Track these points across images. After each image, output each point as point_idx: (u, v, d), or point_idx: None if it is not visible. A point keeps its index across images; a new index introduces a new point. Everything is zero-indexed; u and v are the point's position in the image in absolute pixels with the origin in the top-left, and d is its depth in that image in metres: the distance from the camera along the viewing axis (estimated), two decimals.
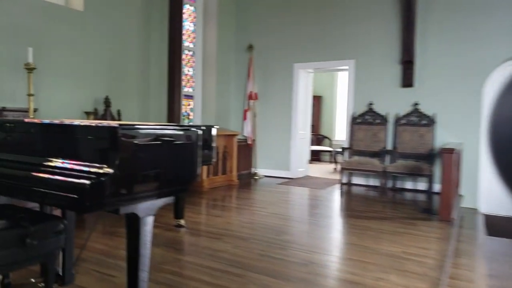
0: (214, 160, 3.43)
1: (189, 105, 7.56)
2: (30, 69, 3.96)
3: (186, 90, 7.48)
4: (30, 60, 3.97)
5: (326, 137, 11.16)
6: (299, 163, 7.78)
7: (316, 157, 10.84)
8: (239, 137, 7.33)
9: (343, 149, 6.66)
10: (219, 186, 6.37)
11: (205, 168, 5.97)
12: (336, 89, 11.45)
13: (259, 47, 7.91)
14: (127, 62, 5.76)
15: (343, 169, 6.49)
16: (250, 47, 7.86)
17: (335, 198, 5.95)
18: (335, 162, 9.31)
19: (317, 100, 11.02)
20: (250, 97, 7.74)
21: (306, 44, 7.49)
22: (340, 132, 11.40)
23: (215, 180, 6.34)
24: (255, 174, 7.73)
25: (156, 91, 6.27)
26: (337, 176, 7.86)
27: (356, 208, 5.16)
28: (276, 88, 7.78)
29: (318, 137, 11.22)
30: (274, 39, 7.80)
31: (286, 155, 7.70)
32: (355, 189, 6.65)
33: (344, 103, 11.06)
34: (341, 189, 6.52)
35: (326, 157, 11.10)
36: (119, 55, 5.65)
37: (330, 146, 10.96)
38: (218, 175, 6.43)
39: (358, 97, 7.04)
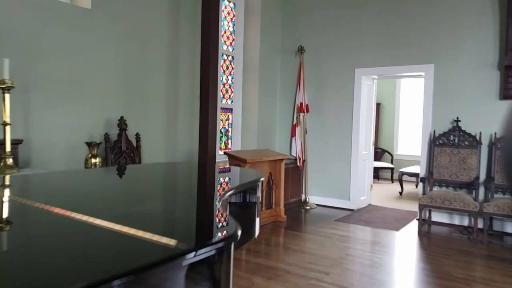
0: (256, 235, 2.16)
1: (227, 119, 6.36)
2: (5, 88, 2.88)
3: (224, 102, 6.29)
4: (6, 75, 2.89)
5: (386, 151, 9.60)
6: (361, 190, 6.36)
7: (375, 174, 9.30)
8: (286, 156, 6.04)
9: (422, 179, 5.17)
10: (263, 225, 5.10)
11: None
12: (397, 95, 9.85)
13: (311, 49, 6.57)
14: (148, 72, 4.63)
15: (423, 206, 5.01)
16: (301, 50, 6.54)
17: (416, 250, 4.50)
18: (401, 185, 7.77)
19: (376, 108, 9.48)
20: (300, 110, 6.42)
21: (370, 45, 6.07)
22: (402, 146, 9.80)
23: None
24: (305, 202, 6.41)
25: (186, 108, 5.12)
26: (405, 204, 6.37)
27: (452, 272, 3.70)
28: (332, 99, 6.41)
29: (376, 151, 9.67)
30: (329, 39, 6.43)
31: (345, 180, 6.30)
32: (436, 230, 5.15)
33: (405, 112, 9.53)
34: (419, 230, 5.04)
35: (386, 173, 9.54)
36: (138, 63, 4.53)
37: (391, 163, 9.40)
38: (261, 211, 5.17)
39: (439, 110, 5.53)
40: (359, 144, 6.21)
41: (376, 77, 6.51)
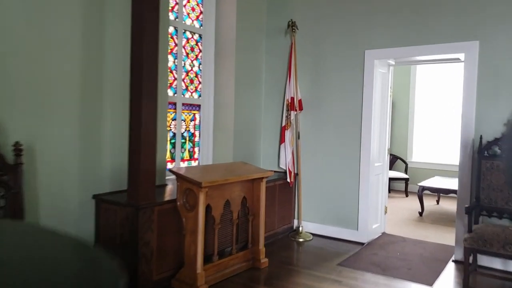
0: None
1: (193, 119, 4.72)
2: None
3: (188, 96, 4.64)
4: None
5: (399, 158, 7.94)
6: (373, 215, 4.70)
7: None
8: (273, 169, 4.42)
9: (467, 209, 3.50)
10: (230, 277, 3.45)
11: (200, 240, 3.13)
12: (412, 89, 8.19)
13: (306, 25, 4.92)
14: (48, 47, 2.97)
15: (470, 250, 3.36)
16: (292, 27, 4.89)
17: None
18: (421, 203, 6.12)
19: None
20: (291, 107, 4.78)
21: (385, 19, 4.42)
22: (418, 152, 8.13)
23: (224, 265, 3.43)
24: (298, 233, 4.76)
25: (117, 101, 3.43)
26: (430, 231, 4.69)
27: None
28: (335, 92, 4.76)
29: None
30: (331, 11, 4.77)
31: (351, 203, 4.65)
32: (487, 282, 3.51)
33: (422, 110, 7.81)
34: (464, 284, 3.39)
35: (399, 184, 7.89)
36: (23, 35, 2.87)
37: (406, 172, 7.74)
38: (230, 255, 3.52)
39: (486, 108, 3.89)
40: (371, 152, 4.56)
41: (393, 63, 4.86)
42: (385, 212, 5.05)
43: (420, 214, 6.10)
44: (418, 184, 6.39)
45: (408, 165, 7.87)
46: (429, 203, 6.75)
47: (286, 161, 4.76)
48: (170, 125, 4.38)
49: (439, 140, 7.92)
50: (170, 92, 4.33)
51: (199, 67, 4.76)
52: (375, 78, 4.52)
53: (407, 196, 7.49)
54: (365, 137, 4.54)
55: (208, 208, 3.23)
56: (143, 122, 2.96)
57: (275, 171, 4.70)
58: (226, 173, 3.44)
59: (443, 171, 7.43)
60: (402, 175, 7.58)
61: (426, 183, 6.28)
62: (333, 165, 4.76)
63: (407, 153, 8.11)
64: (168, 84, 4.20)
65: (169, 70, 4.26)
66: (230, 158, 4.78)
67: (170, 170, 3.28)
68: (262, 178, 3.71)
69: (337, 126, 4.73)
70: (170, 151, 4.39)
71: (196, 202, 3.06)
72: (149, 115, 3.02)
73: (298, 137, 4.86)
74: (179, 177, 3.12)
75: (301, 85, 4.92)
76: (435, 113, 8.05)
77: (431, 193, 6.67)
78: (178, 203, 3.15)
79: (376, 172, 4.74)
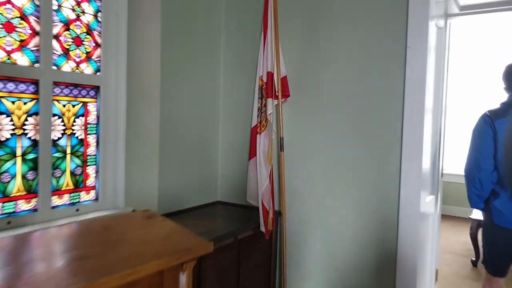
0: None
1: (83, 114, 2.49)
2: None
3: (70, 69, 2.41)
4: None
5: None
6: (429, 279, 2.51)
7: None
8: (233, 202, 2.20)
9: None
10: None
11: None
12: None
13: None
14: None
15: None
16: None
17: None
18: (475, 246, 3.97)
19: None
20: (268, 92, 2.56)
21: None
22: (452, 159, 5.95)
23: None
24: None
25: None
26: None
27: None
28: (348, 64, 2.55)
29: None
30: None
31: (384, 274, 2.45)
32: None
33: (456, 97, 5.50)
34: None
35: None
36: None
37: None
38: None
39: None
40: (422, 177, 2.36)
41: (456, 9, 2.68)
42: (436, 279, 2.87)
43: (474, 263, 3.95)
44: (470, 216, 4.19)
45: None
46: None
47: (258, 192, 2.55)
48: (24, 125, 2.16)
49: None
50: (22, 59, 2.12)
51: (95, 16, 2.53)
52: (430, 38, 2.32)
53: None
54: (410, 149, 2.35)
55: None
56: None
57: (242, 206, 2.50)
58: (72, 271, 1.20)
59: None
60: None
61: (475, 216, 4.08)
62: (346, 199, 2.56)
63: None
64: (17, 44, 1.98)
65: (20, 15, 2.06)
66: (154, 186, 2.57)
67: None
68: (187, 262, 1.47)
69: (353, 128, 2.53)
70: (23, 178, 2.18)
71: None
72: None
73: (281, 147, 2.66)
74: None
75: (286, 52, 2.72)
76: (478, 100, 5.86)
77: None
78: None
79: (428, 211, 2.56)
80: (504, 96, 2.67)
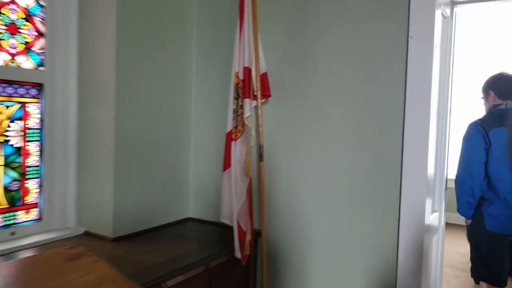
0: None
1: (21, 118, 2.06)
2: None
3: (3, 63, 1.98)
4: None
5: None
6: None
7: None
8: (208, 220, 1.79)
9: None
10: None
11: None
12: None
13: None
14: None
15: None
16: None
17: None
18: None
19: None
20: (244, 90, 2.15)
21: None
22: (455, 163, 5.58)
23: None
24: None
25: None
26: None
27: None
28: (340, 59, 2.15)
29: None
30: None
31: None
32: None
33: (460, 92, 5.07)
34: None
35: None
36: None
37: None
38: None
39: None
40: (425, 191, 1.97)
41: None
42: None
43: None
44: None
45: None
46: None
47: (232, 210, 2.15)
48: None
49: None
50: None
51: (42, 10, 2.11)
52: (436, 27, 1.94)
53: None
54: (412, 157, 1.96)
55: None
56: None
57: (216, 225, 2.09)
58: None
59: None
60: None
61: None
62: (339, 218, 2.17)
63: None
64: None
65: None
66: (108, 202, 2.15)
67: None
68: None
69: (346, 133, 2.14)
70: None
71: None
72: None
73: (260, 156, 2.25)
74: None
75: (267, 45, 2.32)
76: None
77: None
78: None
79: (432, 230, 2.18)
80: None
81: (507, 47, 5.46)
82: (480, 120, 2.70)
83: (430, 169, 2.08)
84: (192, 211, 2.68)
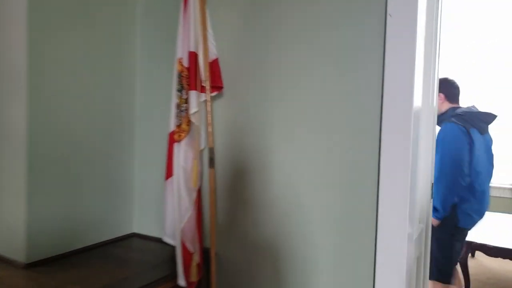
0: None
1: None
2: None
3: None
4: None
5: None
6: None
7: None
8: (151, 236, 1.41)
9: None
10: None
11: None
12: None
13: None
14: None
15: None
16: None
17: None
18: (465, 274, 3.28)
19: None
20: (190, 81, 1.76)
21: None
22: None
23: None
24: None
25: None
26: None
27: None
28: (306, 47, 1.77)
29: None
30: None
31: None
32: None
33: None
34: None
35: None
36: None
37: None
38: None
39: None
40: (408, 206, 1.61)
41: None
42: None
43: None
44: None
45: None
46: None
47: (174, 226, 1.75)
48: None
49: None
50: None
51: None
52: (419, 4, 1.59)
53: None
54: (393, 165, 1.59)
55: None
56: None
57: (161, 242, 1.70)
58: None
59: (498, 199, 4.52)
60: None
61: (476, 236, 3.34)
62: (303, 233, 1.79)
63: None
64: None
65: None
66: (20, 218, 1.73)
67: None
68: None
69: (310, 133, 1.76)
70: None
71: None
72: None
73: (210, 161, 1.86)
74: None
75: (218, 27, 1.93)
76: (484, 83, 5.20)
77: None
78: None
79: (415, 250, 1.82)
80: None
81: (498, 25, 5.10)
82: (456, 119, 2.73)
83: (419, 182, 1.72)
84: (136, 225, 2.28)
